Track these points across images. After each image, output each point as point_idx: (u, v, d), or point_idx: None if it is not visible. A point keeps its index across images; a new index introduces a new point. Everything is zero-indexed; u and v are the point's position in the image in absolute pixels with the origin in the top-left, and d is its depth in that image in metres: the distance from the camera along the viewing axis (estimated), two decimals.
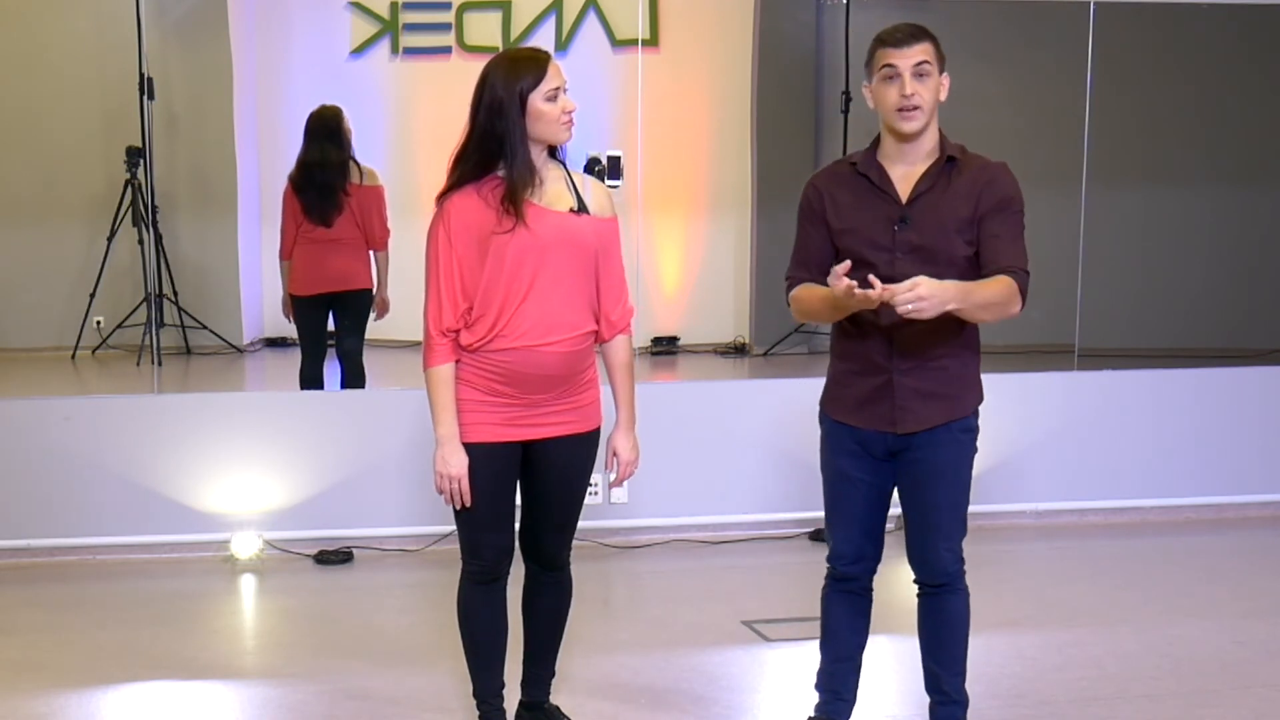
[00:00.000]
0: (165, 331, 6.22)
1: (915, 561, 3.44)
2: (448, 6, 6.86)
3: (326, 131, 5.71)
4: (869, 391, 3.33)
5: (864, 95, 3.32)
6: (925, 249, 3.23)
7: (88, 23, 6.56)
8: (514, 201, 3.24)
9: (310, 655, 4.36)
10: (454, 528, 3.48)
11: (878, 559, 3.50)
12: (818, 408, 3.50)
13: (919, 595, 3.49)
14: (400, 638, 4.52)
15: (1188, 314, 7.17)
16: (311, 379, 5.84)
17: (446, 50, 6.87)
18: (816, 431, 3.50)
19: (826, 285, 3.25)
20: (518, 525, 3.51)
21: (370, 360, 5.90)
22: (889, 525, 3.55)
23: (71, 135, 6.57)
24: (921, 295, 3.00)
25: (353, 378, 5.82)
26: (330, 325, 5.87)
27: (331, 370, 5.90)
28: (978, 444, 3.41)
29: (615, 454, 3.50)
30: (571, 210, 3.34)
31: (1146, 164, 7.05)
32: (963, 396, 3.36)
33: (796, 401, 3.72)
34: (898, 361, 3.29)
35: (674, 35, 7.02)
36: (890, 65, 3.20)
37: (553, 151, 3.37)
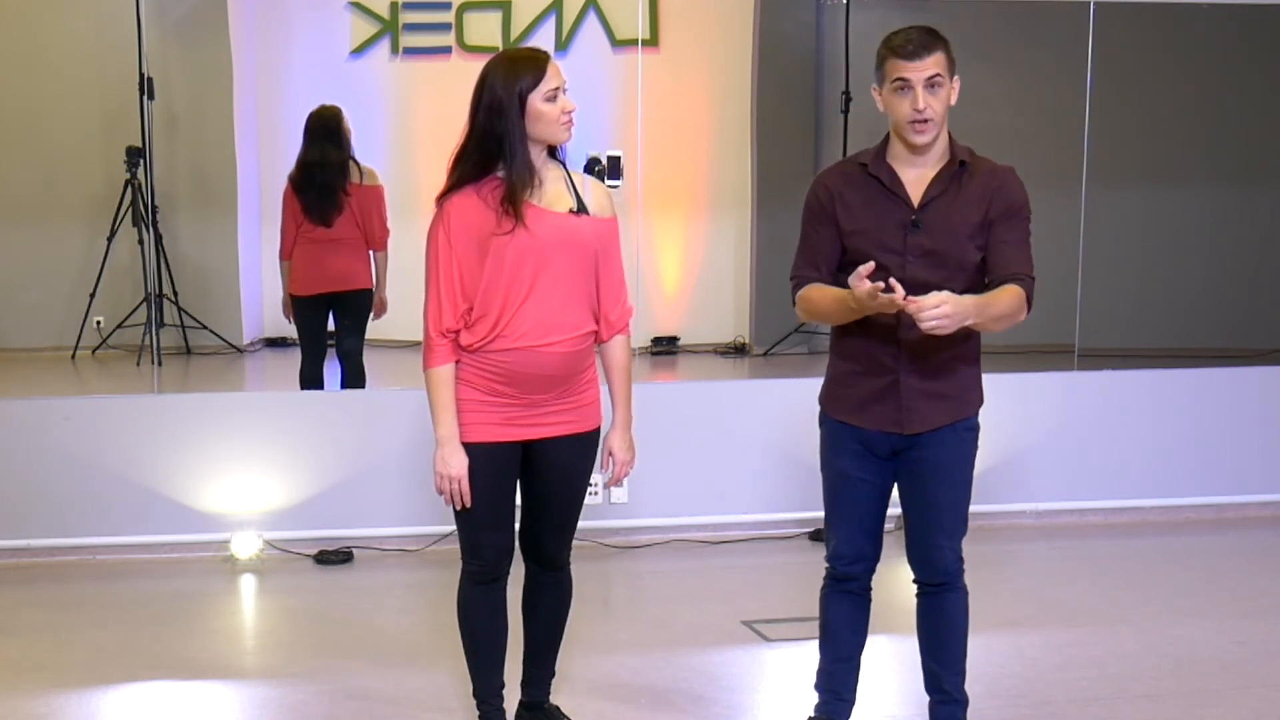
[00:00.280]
0: (165, 331, 6.23)
1: (916, 560, 3.44)
2: (448, 6, 6.86)
3: (326, 131, 5.71)
4: (874, 392, 3.33)
5: (873, 97, 3.30)
6: (937, 253, 3.22)
7: (88, 23, 6.56)
8: (513, 202, 3.24)
9: (310, 655, 4.36)
10: (454, 528, 3.48)
11: (877, 559, 3.50)
12: (818, 407, 3.49)
13: (918, 595, 3.49)
14: (400, 638, 4.52)
15: (1188, 314, 7.17)
16: (311, 379, 5.84)
17: (446, 50, 6.87)
18: (817, 431, 3.49)
19: (836, 286, 3.25)
20: (518, 525, 3.51)
21: (370, 360, 5.90)
22: (888, 525, 3.55)
23: (71, 135, 6.57)
24: (947, 313, 3.00)
25: (353, 378, 5.82)
26: (330, 325, 5.87)
27: (331, 370, 5.90)
28: (978, 444, 3.42)
29: (611, 454, 3.50)
30: (571, 211, 3.33)
31: (1146, 164, 7.05)
32: (967, 397, 3.36)
33: (796, 401, 3.72)
34: (905, 362, 3.29)
35: (674, 35, 7.02)
36: (902, 79, 3.18)
37: (552, 152, 3.37)
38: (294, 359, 5.95)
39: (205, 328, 6.45)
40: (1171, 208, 7.14)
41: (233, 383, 6.62)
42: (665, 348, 7.03)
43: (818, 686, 3.61)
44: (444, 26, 6.85)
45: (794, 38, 7.36)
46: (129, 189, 6.22)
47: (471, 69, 3.34)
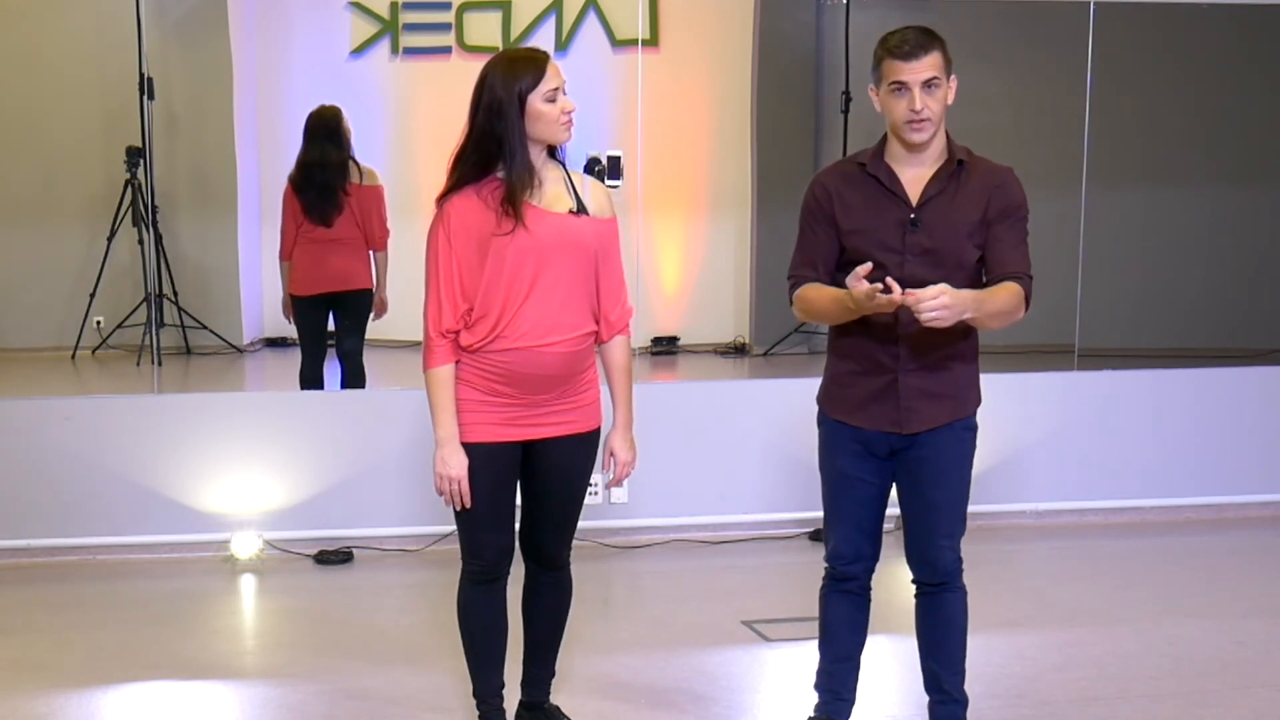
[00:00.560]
0: (165, 331, 6.23)
1: (915, 560, 3.44)
2: (448, 6, 6.86)
3: (326, 131, 5.71)
4: (873, 391, 3.33)
5: (870, 97, 3.31)
6: (935, 252, 3.23)
7: (88, 23, 6.56)
8: (513, 203, 3.24)
9: (310, 655, 4.36)
10: (454, 528, 3.48)
11: (876, 558, 3.50)
12: (816, 407, 3.49)
13: (917, 595, 3.49)
14: (400, 638, 4.52)
15: (1188, 314, 7.17)
16: (311, 379, 5.84)
17: (446, 50, 6.87)
18: (816, 431, 3.49)
19: (833, 286, 3.26)
20: (518, 525, 3.51)
21: (370, 360, 5.90)
22: (888, 525, 3.55)
23: (71, 135, 6.56)
24: (945, 304, 3.00)
25: (353, 378, 5.82)
26: (330, 325, 5.87)
27: (331, 370, 5.90)
28: (976, 444, 3.42)
29: (612, 454, 3.50)
30: (571, 211, 3.33)
31: (1146, 164, 7.05)
32: (965, 396, 3.37)
33: (796, 401, 3.72)
34: (904, 362, 3.29)
35: (674, 35, 7.02)
36: (899, 81, 3.18)
37: (552, 152, 3.37)
38: (294, 359, 5.95)
39: (205, 328, 6.45)
40: (1171, 208, 7.14)
41: (233, 383, 6.62)
42: (665, 348, 7.03)
43: (817, 686, 3.61)
44: (444, 26, 6.85)
45: (794, 38, 7.36)
46: (129, 189, 6.22)
47: (471, 69, 3.34)
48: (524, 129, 3.25)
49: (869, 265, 3.09)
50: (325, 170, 5.68)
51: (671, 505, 5.58)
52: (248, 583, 5.14)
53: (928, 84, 3.18)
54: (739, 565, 5.33)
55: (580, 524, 3.58)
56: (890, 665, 4.16)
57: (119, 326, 6.36)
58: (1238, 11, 6.58)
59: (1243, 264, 7.31)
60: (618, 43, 6.91)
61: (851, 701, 3.60)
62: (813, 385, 3.55)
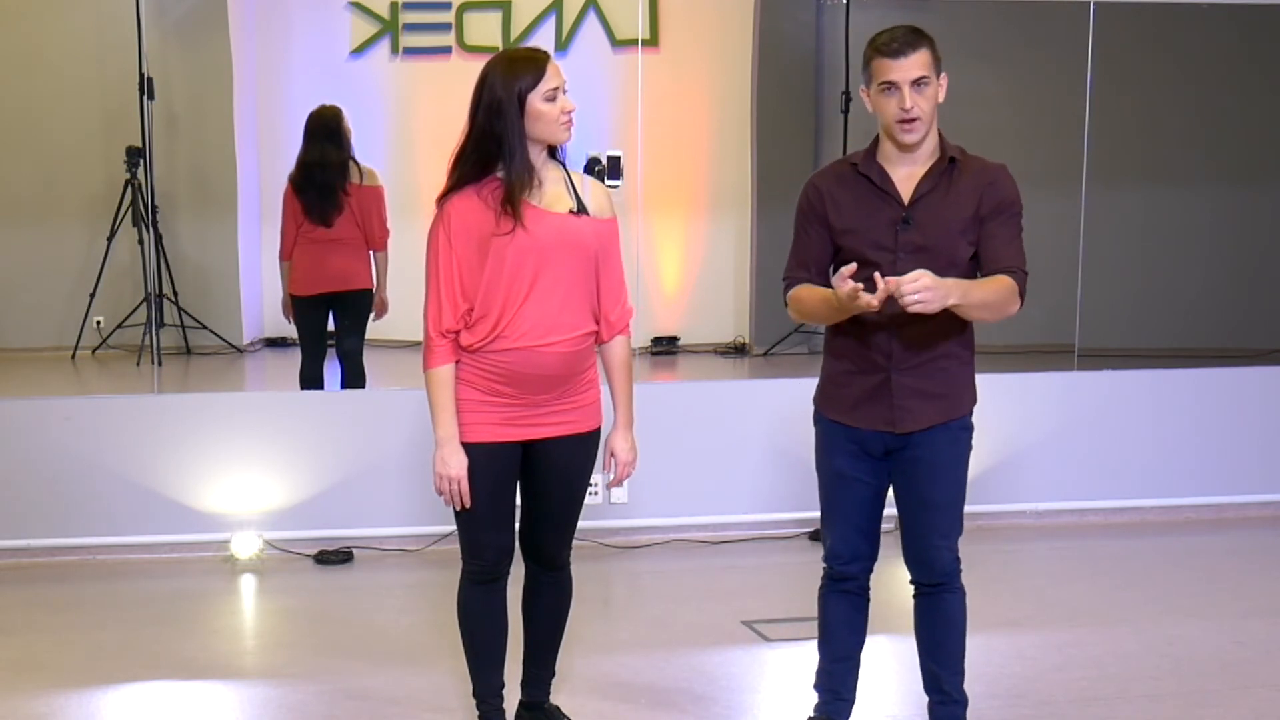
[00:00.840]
0: (165, 331, 6.22)
1: (912, 561, 3.44)
2: (448, 6, 6.86)
3: (326, 131, 5.71)
4: (867, 390, 3.33)
5: (862, 99, 3.32)
6: (928, 250, 3.23)
7: (88, 23, 6.56)
8: (512, 203, 3.24)
9: (310, 655, 4.36)
10: (454, 528, 3.48)
11: (874, 558, 3.50)
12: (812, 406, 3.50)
13: (915, 595, 3.49)
14: (400, 638, 4.52)
15: (1188, 314, 7.17)
16: (311, 379, 5.84)
17: (446, 50, 6.87)
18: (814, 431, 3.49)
19: (826, 286, 3.26)
20: (518, 525, 3.51)
21: (370, 360, 5.90)
22: (886, 525, 3.55)
23: (71, 135, 6.56)
24: (927, 285, 3.01)
25: (353, 378, 5.82)
26: (330, 325, 5.87)
27: (331, 370, 5.89)
28: (972, 443, 3.42)
29: (613, 454, 3.50)
30: (571, 212, 3.34)
31: (1146, 164, 7.05)
32: (960, 396, 3.36)
33: (796, 401, 3.72)
34: (897, 360, 3.30)
35: (674, 35, 7.02)
36: (889, 81, 3.19)
37: (553, 152, 3.37)
38: (294, 359, 5.95)
39: (205, 328, 6.45)
40: (1171, 208, 7.14)
41: (233, 383, 6.62)
42: (665, 348, 7.03)
43: (817, 686, 3.61)
44: (444, 26, 6.85)
45: (794, 38, 7.36)
46: (129, 189, 6.22)
47: (471, 69, 3.34)
48: (524, 129, 3.25)
49: (853, 266, 3.11)
50: (325, 170, 5.68)
51: (671, 505, 5.58)
52: (248, 583, 5.14)
53: (917, 83, 3.19)
54: (739, 565, 5.33)
55: (580, 524, 3.59)
56: (890, 665, 4.16)
57: (119, 326, 6.36)
58: (1238, 11, 6.58)
59: (1243, 264, 7.31)
60: (618, 43, 6.91)
61: (851, 701, 3.61)
62: (813, 385, 3.55)
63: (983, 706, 3.76)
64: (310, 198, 5.68)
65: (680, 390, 6.17)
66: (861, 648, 3.58)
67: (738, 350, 7.12)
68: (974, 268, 3.28)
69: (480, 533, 3.42)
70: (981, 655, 4.11)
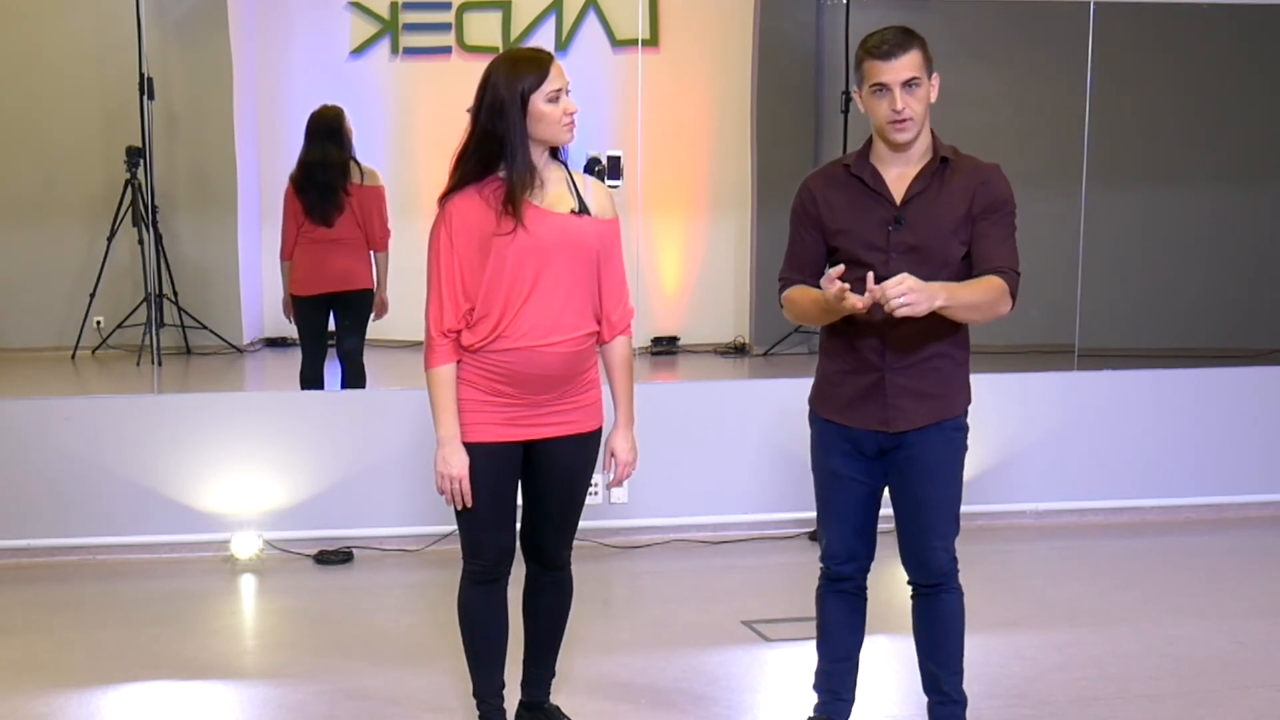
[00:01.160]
0: (165, 331, 6.22)
1: (910, 562, 3.43)
2: (448, 6, 6.86)
3: (328, 131, 5.71)
4: (861, 390, 3.34)
5: (855, 100, 3.33)
6: (920, 249, 3.23)
7: (88, 23, 6.56)
8: (514, 202, 3.24)
9: (310, 655, 4.36)
10: (454, 528, 3.48)
11: (870, 558, 3.50)
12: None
13: (913, 596, 3.48)
14: (400, 638, 4.52)
15: (1188, 314, 7.17)
16: (312, 379, 5.84)
17: (446, 50, 6.87)
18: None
19: (819, 287, 3.27)
20: (519, 525, 3.51)
21: (370, 360, 5.90)
22: (884, 525, 3.55)
23: (71, 135, 6.56)
24: (911, 287, 3.01)
25: (353, 378, 5.82)
26: (331, 325, 5.87)
27: (332, 370, 5.90)
28: (968, 444, 3.42)
29: (613, 455, 3.50)
30: (573, 212, 3.34)
31: (1146, 164, 7.05)
32: (954, 396, 3.36)
33: (796, 401, 3.72)
34: (890, 360, 3.30)
35: (674, 35, 7.02)
36: (879, 82, 3.20)
37: (554, 153, 3.37)
38: (294, 359, 5.95)
39: (205, 328, 6.45)
40: (1171, 208, 7.14)
41: (233, 383, 6.62)
42: (665, 348, 7.03)
43: (816, 687, 3.61)
44: (444, 26, 6.85)
45: (794, 38, 7.36)
46: (129, 189, 6.22)
47: (471, 69, 3.34)
48: (526, 129, 3.25)
49: (841, 267, 3.12)
50: (326, 170, 5.67)
51: (671, 505, 5.58)
52: (248, 583, 5.14)
53: (908, 84, 3.19)
54: (739, 565, 5.33)
55: (580, 524, 3.59)
56: (889, 665, 4.16)
57: (119, 326, 6.36)
58: (1238, 11, 6.58)
59: (1243, 264, 7.31)
60: (618, 43, 6.91)
61: (851, 701, 3.61)
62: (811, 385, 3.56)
63: (982, 706, 3.76)
64: (311, 198, 5.68)
65: (680, 390, 6.17)
66: (860, 648, 3.58)
67: (738, 350, 7.12)
68: (967, 267, 3.28)
69: (481, 533, 3.42)
70: (980, 655, 4.11)
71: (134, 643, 4.46)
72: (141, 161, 6.14)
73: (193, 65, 6.61)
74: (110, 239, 6.29)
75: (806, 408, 3.51)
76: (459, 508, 3.38)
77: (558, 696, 3.75)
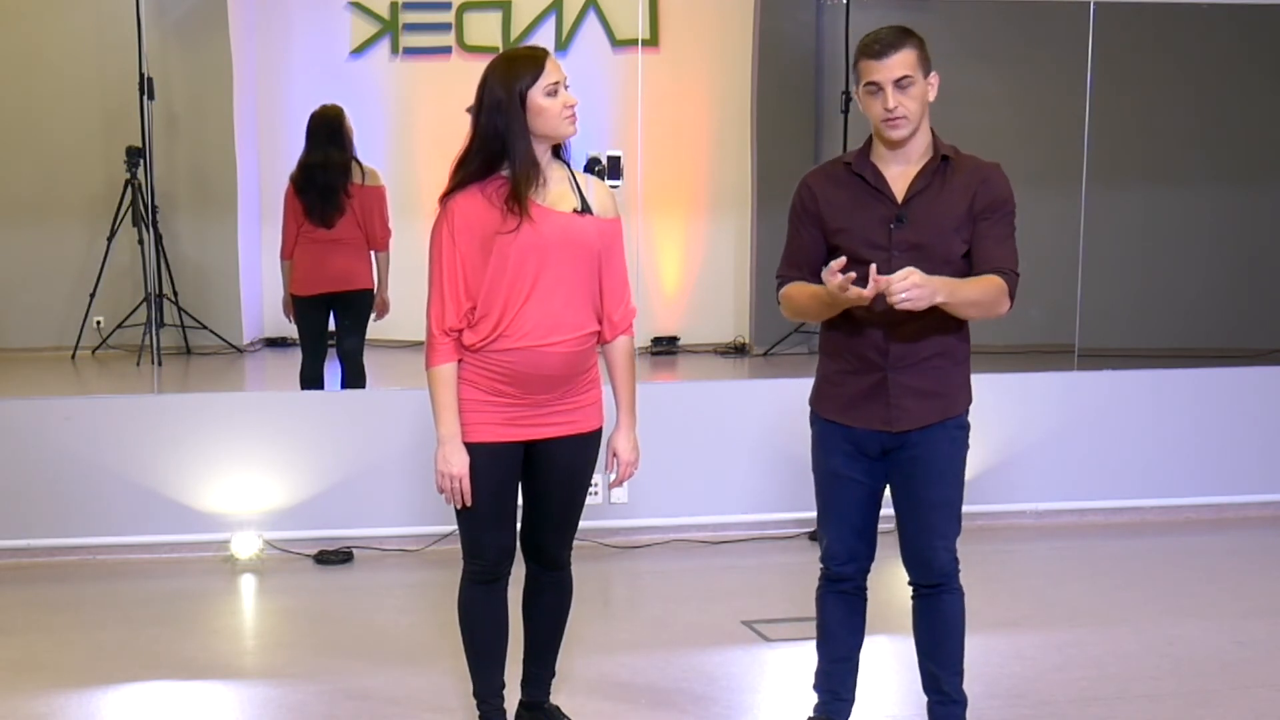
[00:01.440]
0: (165, 331, 6.23)
1: (911, 562, 3.43)
2: (448, 6, 6.86)
3: (329, 132, 5.71)
4: (863, 390, 3.33)
5: (856, 99, 3.34)
6: (922, 247, 3.24)
7: (88, 23, 6.56)
8: (518, 198, 3.24)
9: (310, 655, 4.36)
10: (454, 528, 3.48)
11: (870, 558, 3.50)
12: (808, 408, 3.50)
13: (914, 596, 3.48)
14: (400, 638, 4.52)
15: (1188, 314, 7.17)
16: (312, 379, 5.84)
17: (446, 50, 6.87)
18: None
19: (818, 284, 3.27)
20: (519, 525, 3.51)
21: (370, 360, 5.90)
22: (884, 525, 3.55)
23: (71, 135, 6.56)
24: (915, 282, 3.02)
25: (353, 378, 5.82)
26: (331, 325, 5.87)
27: (332, 370, 5.90)
28: (969, 443, 3.42)
29: (615, 455, 3.50)
30: (575, 211, 3.34)
31: (1146, 164, 7.05)
32: (956, 395, 3.37)
33: (796, 401, 3.72)
34: (893, 359, 3.30)
35: (674, 35, 7.02)
36: (873, 82, 3.21)
37: (557, 152, 3.37)
38: (294, 359, 5.95)
39: (205, 328, 6.45)
40: (1171, 208, 7.14)
41: (233, 383, 6.62)
42: (665, 348, 7.03)
43: (816, 687, 3.61)
44: (444, 26, 6.85)
45: (794, 38, 7.36)
46: (129, 189, 6.22)
47: (471, 69, 3.34)
48: (526, 125, 3.25)
49: (842, 259, 3.12)
50: (327, 170, 5.67)
51: (671, 505, 5.58)
52: (248, 583, 5.14)
53: (900, 82, 3.20)
54: (739, 565, 5.33)
55: (580, 524, 3.59)
56: (889, 665, 4.16)
57: (119, 326, 6.36)
58: (1238, 11, 6.58)
59: (1243, 264, 7.31)
60: (618, 43, 6.91)
61: (851, 701, 3.61)
62: (811, 385, 3.55)
63: (982, 706, 3.76)
64: (311, 198, 5.68)
65: (680, 390, 6.17)
66: (860, 648, 3.58)
67: (738, 350, 7.12)
68: (968, 265, 3.28)
69: (481, 533, 3.42)
70: (981, 655, 4.11)
71: (134, 643, 4.46)
72: (141, 161, 6.14)
73: (193, 65, 6.61)
74: (110, 239, 6.29)
75: (806, 407, 3.51)
76: (459, 507, 3.38)
77: (558, 696, 3.75)
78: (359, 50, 6.80)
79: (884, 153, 3.31)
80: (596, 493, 5.18)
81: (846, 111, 6.79)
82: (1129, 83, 6.73)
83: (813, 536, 5.52)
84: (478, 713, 3.58)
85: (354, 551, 5.37)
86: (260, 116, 6.71)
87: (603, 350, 3.47)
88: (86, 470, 5.25)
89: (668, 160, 6.80)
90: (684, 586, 5.08)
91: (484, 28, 6.85)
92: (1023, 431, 5.78)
